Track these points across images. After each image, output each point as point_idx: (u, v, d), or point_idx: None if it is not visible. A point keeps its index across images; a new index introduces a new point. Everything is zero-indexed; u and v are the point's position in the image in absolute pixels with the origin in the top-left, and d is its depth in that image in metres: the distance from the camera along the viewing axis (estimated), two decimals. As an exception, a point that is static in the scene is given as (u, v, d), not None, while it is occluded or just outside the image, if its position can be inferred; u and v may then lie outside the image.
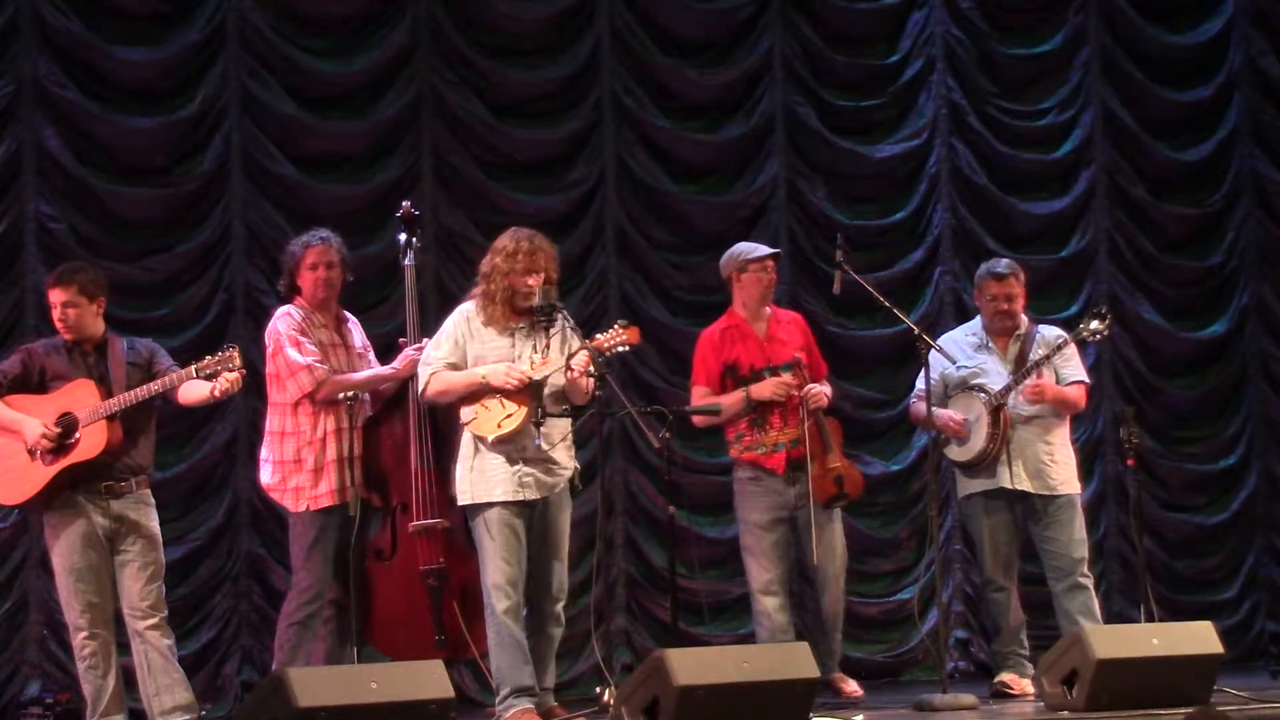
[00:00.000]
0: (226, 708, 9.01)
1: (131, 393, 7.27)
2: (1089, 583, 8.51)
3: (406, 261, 8.10)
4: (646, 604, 9.86)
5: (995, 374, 8.54)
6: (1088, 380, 8.67)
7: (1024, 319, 8.68)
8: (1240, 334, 11.03)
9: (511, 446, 7.30)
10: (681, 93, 10.29)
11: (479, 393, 7.30)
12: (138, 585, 7.34)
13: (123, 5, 9.40)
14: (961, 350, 8.65)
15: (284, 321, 7.80)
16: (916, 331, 8.11)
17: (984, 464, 8.49)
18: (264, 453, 7.89)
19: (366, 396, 7.88)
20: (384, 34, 9.77)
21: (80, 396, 7.30)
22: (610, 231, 10.08)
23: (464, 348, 7.36)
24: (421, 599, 7.76)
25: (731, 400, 8.34)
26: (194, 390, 7.37)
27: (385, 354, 8.14)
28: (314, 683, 6.48)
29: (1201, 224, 11.07)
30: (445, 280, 9.62)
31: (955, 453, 8.59)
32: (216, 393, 7.26)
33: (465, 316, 7.43)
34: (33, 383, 7.40)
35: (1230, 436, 10.99)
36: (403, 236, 8.12)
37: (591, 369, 7.32)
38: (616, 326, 7.60)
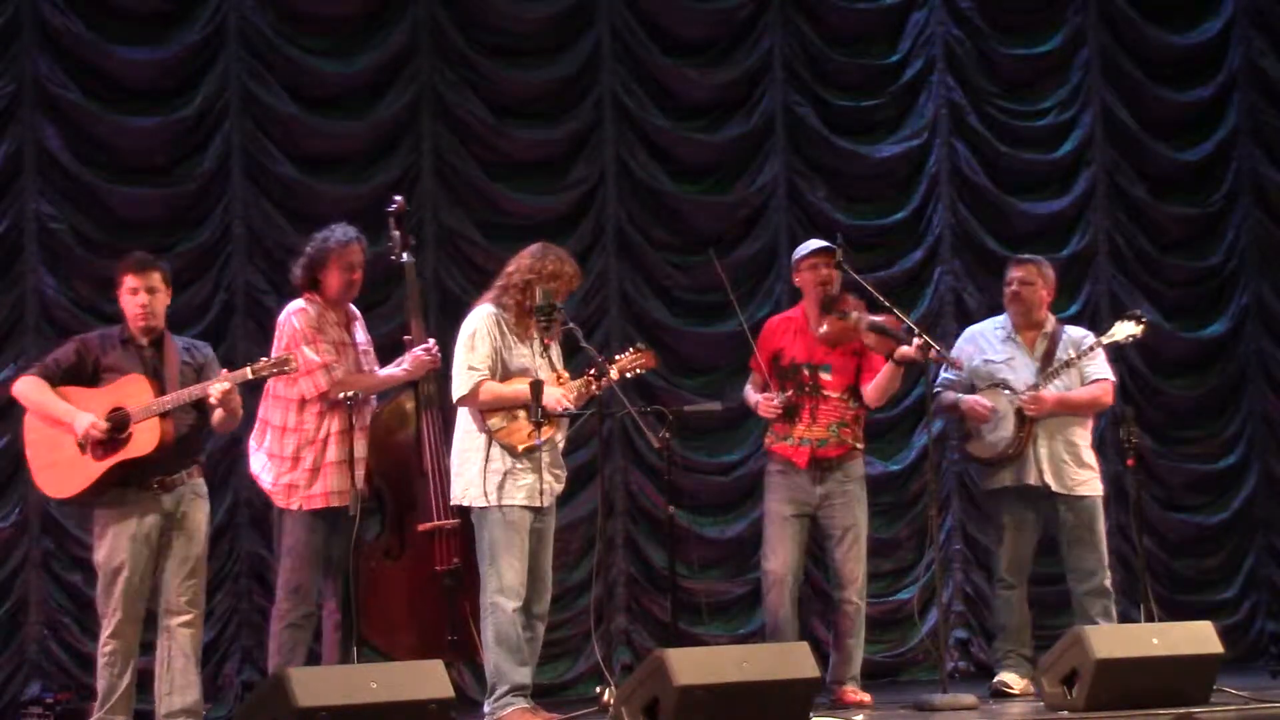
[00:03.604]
0: (226, 708, 9.01)
1: (186, 390, 7.18)
2: (1110, 585, 8.53)
3: (405, 259, 8.07)
4: (646, 604, 9.86)
5: (1022, 368, 8.57)
6: (1112, 377, 8.70)
7: (1050, 317, 8.70)
8: (1240, 334, 11.04)
9: (532, 455, 7.34)
10: (681, 93, 10.29)
11: (517, 405, 7.33)
12: (177, 580, 7.26)
13: (123, 5, 9.39)
14: (989, 343, 8.69)
15: (300, 317, 7.74)
16: (916, 331, 8.12)
17: (1007, 461, 8.50)
18: (254, 442, 7.82)
19: (374, 397, 7.89)
20: (384, 34, 9.76)
21: (133, 392, 7.19)
22: (610, 231, 10.08)
23: (500, 351, 7.39)
24: (430, 599, 7.75)
25: (751, 404, 8.44)
26: (218, 414, 7.27)
27: (386, 354, 8.14)
28: (314, 683, 6.49)
29: (1201, 224, 11.08)
30: (445, 280, 9.61)
31: (977, 448, 8.61)
32: (214, 400, 7.16)
33: (495, 320, 7.43)
34: (85, 374, 7.27)
35: (1230, 436, 11.00)
36: (397, 233, 8.08)
37: (594, 371, 7.42)
38: (634, 350, 7.68)
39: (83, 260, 9.17)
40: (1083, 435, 8.60)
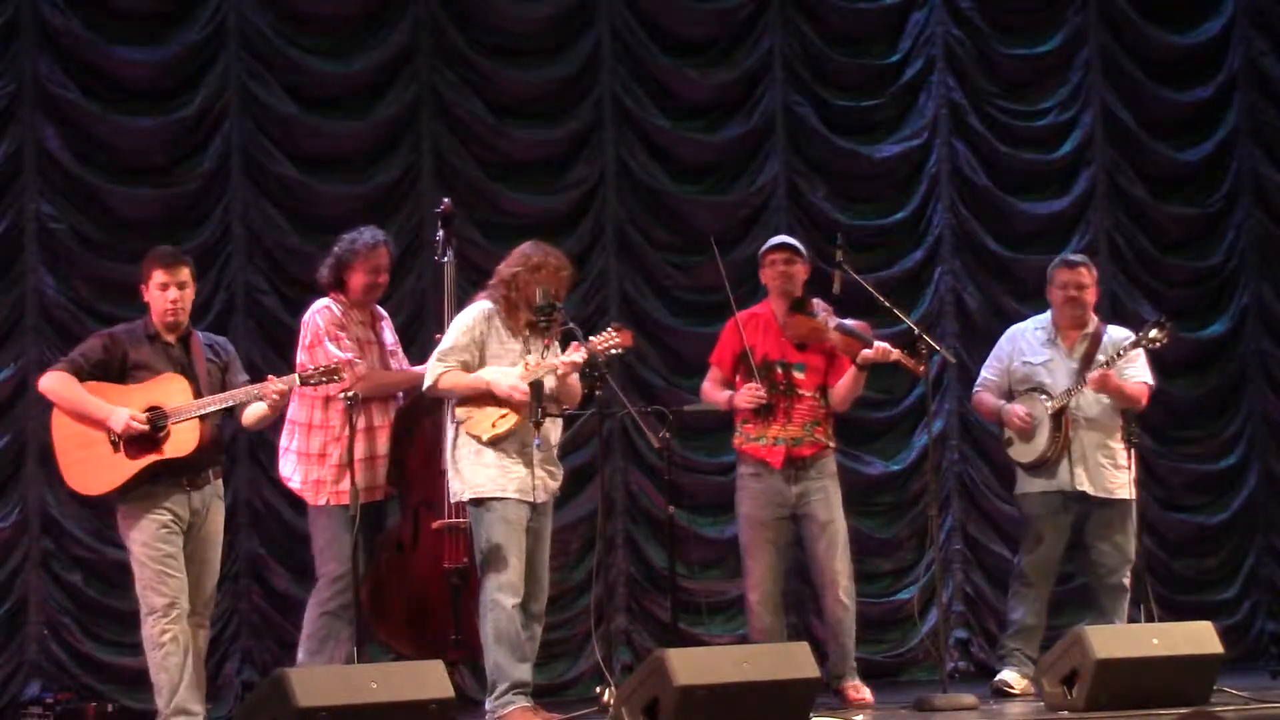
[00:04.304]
0: (226, 708, 9.00)
1: (229, 393, 7.14)
2: (1128, 583, 8.54)
3: (446, 259, 8.10)
4: (646, 604, 9.86)
5: (1060, 372, 8.56)
6: (1151, 382, 8.67)
7: (1094, 318, 8.70)
8: (1240, 334, 11.04)
9: (518, 447, 7.33)
10: (681, 93, 10.29)
11: (480, 395, 7.34)
12: (192, 580, 7.17)
13: (123, 5, 9.39)
14: (1029, 344, 8.68)
15: (323, 315, 7.78)
16: (917, 332, 8.12)
17: (1044, 466, 8.50)
18: (284, 442, 7.86)
19: (399, 394, 7.92)
20: (384, 34, 9.76)
21: (171, 391, 7.10)
22: (610, 231, 10.08)
23: (481, 346, 7.41)
24: (438, 596, 7.76)
25: (720, 400, 8.35)
26: (255, 410, 7.22)
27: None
28: (314, 683, 6.49)
29: (1201, 224, 11.08)
30: (445, 280, 9.61)
31: (1017, 453, 8.60)
32: (272, 400, 7.14)
33: (485, 315, 7.45)
34: (113, 370, 7.14)
35: (1230, 436, 11.00)
36: (441, 234, 8.13)
37: (586, 369, 7.37)
38: (610, 329, 7.62)
39: (83, 260, 9.17)
40: (1120, 439, 8.55)
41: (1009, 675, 8.55)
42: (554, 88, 10.07)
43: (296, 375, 7.24)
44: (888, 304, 8.27)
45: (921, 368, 8.18)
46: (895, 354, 8.01)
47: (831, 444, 8.33)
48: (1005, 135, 10.77)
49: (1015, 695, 8.42)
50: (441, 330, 8.01)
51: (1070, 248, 10.74)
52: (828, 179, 10.47)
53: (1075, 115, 10.88)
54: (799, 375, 8.26)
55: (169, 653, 7.06)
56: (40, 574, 8.99)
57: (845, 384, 8.21)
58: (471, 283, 8.95)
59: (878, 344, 8.02)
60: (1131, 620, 8.59)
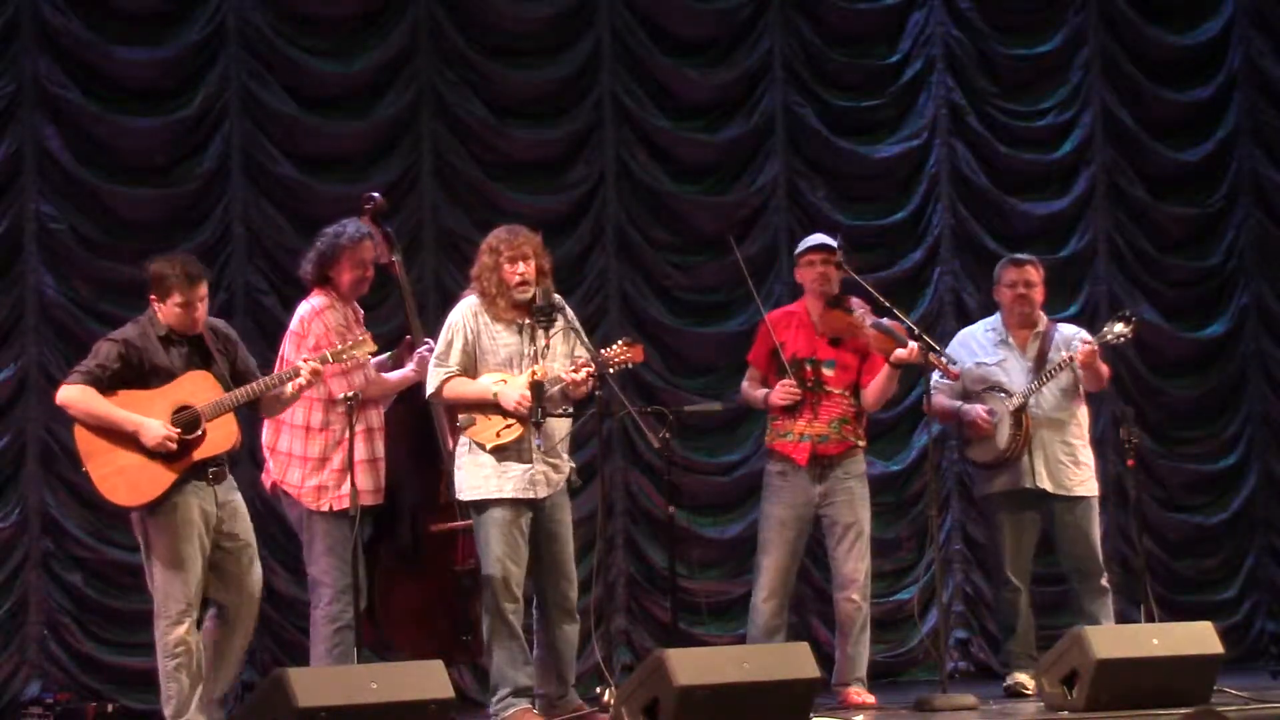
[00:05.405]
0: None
1: (261, 381, 7.05)
2: (1107, 583, 8.53)
3: (395, 256, 8.01)
4: (646, 604, 9.86)
5: (1016, 371, 8.56)
6: (1106, 375, 8.71)
7: (1043, 317, 8.71)
8: (1240, 334, 11.04)
9: (518, 446, 7.32)
10: (681, 93, 10.29)
11: (485, 404, 7.34)
12: (236, 570, 7.04)
13: (123, 5, 9.39)
14: (981, 346, 8.69)
15: (330, 316, 7.63)
16: (916, 332, 8.12)
17: (1004, 465, 8.50)
18: (268, 440, 7.68)
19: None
20: (384, 34, 9.76)
21: (199, 389, 6.95)
22: (610, 231, 10.08)
23: (473, 344, 7.40)
24: (445, 597, 7.74)
25: (758, 397, 8.37)
26: (275, 393, 7.12)
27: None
28: (314, 683, 6.50)
29: (1201, 224, 11.08)
30: (445, 280, 9.61)
31: (976, 452, 8.60)
32: (303, 383, 7.07)
33: (472, 311, 7.44)
34: (132, 376, 6.95)
35: (1230, 436, 11.00)
36: (378, 233, 7.95)
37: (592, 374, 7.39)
38: (620, 344, 7.64)
39: (83, 260, 9.17)
40: (1079, 435, 8.59)
41: (1022, 676, 8.52)
42: (554, 88, 10.08)
43: (326, 352, 7.16)
44: (887, 304, 8.27)
45: (955, 370, 8.23)
46: (932, 355, 8.04)
47: (862, 443, 8.33)
48: (1005, 135, 10.77)
49: (1030, 695, 8.38)
50: (411, 333, 7.97)
51: (1069, 248, 10.78)
52: (828, 179, 10.48)
53: (1075, 115, 10.88)
54: (828, 373, 8.26)
55: (181, 664, 6.95)
56: (40, 574, 8.99)
57: (878, 383, 8.23)
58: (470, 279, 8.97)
59: (911, 344, 8.03)
60: (1131, 620, 8.59)
